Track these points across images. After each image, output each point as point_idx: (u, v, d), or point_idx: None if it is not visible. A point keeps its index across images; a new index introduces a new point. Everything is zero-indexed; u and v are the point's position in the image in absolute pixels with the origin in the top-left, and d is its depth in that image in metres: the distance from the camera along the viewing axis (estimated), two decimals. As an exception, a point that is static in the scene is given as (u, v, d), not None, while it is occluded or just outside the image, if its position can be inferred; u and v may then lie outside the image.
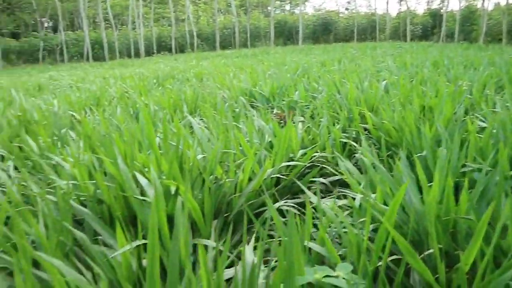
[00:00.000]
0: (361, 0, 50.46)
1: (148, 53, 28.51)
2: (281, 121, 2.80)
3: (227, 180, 1.55)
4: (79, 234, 1.08)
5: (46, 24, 37.54)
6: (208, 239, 1.35)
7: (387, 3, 36.39)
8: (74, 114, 3.40)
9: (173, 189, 1.24)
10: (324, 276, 0.89)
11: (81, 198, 1.41)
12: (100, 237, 1.19)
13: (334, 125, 2.54)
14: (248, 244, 1.11)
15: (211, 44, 29.44)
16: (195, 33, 28.96)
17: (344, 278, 0.92)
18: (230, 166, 1.62)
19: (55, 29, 35.53)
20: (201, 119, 2.66)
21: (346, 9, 38.08)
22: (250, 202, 1.55)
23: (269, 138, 2.27)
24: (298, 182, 1.56)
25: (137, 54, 28.44)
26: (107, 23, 30.70)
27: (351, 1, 37.45)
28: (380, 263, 1.07)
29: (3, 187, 1.87)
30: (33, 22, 35.37)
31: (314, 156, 2.12)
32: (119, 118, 2.86)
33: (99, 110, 3.48)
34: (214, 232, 1.40)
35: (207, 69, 7.22)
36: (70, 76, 9.37)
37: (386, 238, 1.09)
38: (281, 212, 1.63)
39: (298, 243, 0.78)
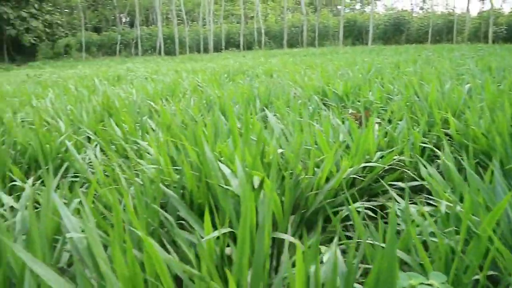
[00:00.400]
0: None
1: (217, 49, 29.26)
2: (357, 121, 2.72)
3: (306, 176, 1.53)
4: (168, 217, 1.12)
5: (123, 20, 39.99)
6: (285, 233, 1.34)
7: (468, 1, 33.66)
8: (151, 103, 3.57)
9: (256, 182, 1.24)
10: (419, 284, 0.84)
11: (165, 184, 1.46)
12: (182, 221, 1.23)
13: (413, 128, 2.41)
14: (328, 243, 1.08)
15: (279, 42, 29.52)
16: (263, 31, 29.20)
17: (440, 289, 0.86)
18: (309, 164, 1.59)
19: (131, 24, 37.74)
20: (275, 114, 2.66)
21: (421, 8, 36.24)
22: (327, 201, 1.51)
23: (345, 138, 2.21)
24: (383, 183, 1.49)
25: (206, 50, 29.30)
26: (179, 19, 31.96)
27: (426, 0, 35.56)
28: (477, 276, 0.99)
29: (91, 167, 2.00)
30: (112, 17, 37.85)
31: (394, 159, 2.02)
32: (194, 110, 2.94)
33: (174, 100, 3.62)
34: (291, 227, 1.39)
35: (276, 66, 7.23)
36: (144, 68, 9.88)
37: (485, 251, 1.01)
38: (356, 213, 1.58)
39: (395, 247, 0.73)
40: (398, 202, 1.55)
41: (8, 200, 1.55)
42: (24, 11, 29.31)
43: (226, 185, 1.30)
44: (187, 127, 2.17)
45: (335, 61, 8.28)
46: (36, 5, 30.73)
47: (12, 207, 1.66)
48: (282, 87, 3.69)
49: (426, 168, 1.82)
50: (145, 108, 3.31)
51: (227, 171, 1.30)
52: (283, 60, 9.49)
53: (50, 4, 33.37)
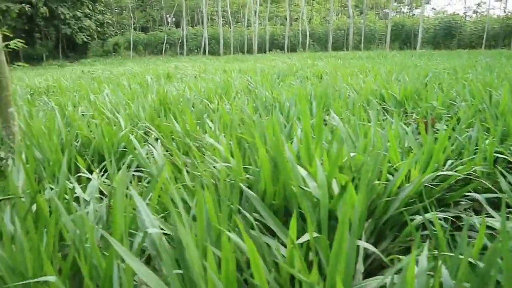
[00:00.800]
0: (494, 2, 45.26)
1: (261, 50, 29.37)
2: (419, 127, 2.59)
3: (380, 182, 1.46)
4: (249, 216, 1.08)
5: (170, 20, 41.05)
6: (360, 239, 1.28)
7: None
8: (205, 101, 3.59)
9: (335, 186, 1.19)
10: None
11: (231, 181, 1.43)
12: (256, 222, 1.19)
13: (483, 137, 2.27)
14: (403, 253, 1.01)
15: (323, 44, 29.21)
16: (307, 33, 29.01)
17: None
18: (383, 170, 1.52)
19: (177, 25, 38.70)
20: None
21: (475, 11, 34.60)
22: (403, 209, 1.43)
23: (410, 143, 2.11)
24: (467, 190, 1.39)
25: (250, 51, 29.48)
26: (224, 20, 32.38)
27: (481, 3, 33.90)
28: None
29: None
30: (159, 18, 38.96)
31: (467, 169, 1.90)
32: (250, 109, 2.92)
33: (228, 99, 3.62)
34: (364, 233, 1.32)
35: (324, 69, 7.12)
36: (192, 67, 10.04)
37: None
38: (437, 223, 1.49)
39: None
40: (474, 214, 1.44)
41: (80, 193, 1.58)
42: (78, 11, 30.78)
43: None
44: (246, 126, 2.14)
45: (385, 64, 8.04)
46: (90, 6, 32.16)
47: (77, 198, 1.70)
48: (338, 90, 3.60)
49: (505, 178, 1.70)
50: (200, 106, 3.33)
51: (303, 172, 1.25)
52: (330, 63, 9.34)
53: (102, 4, 34.81)
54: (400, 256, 1.21)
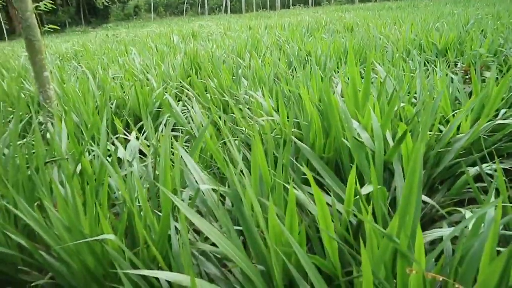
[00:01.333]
0: None
1: (284, 5, 28.41)
2: (466, 76, 2.44)
3: (434, 133, 1.37)
4: (305, 170, 1.04)
5: (190, -22, 39.95)
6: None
7: None
8: (235, 57, 3.49)
9: (389, 138, 1.12)
10: None
11: (277, 136, 1.38)
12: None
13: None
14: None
15: (349, -4, 27.96)
16: (332, -15, 27.75)
17: None
18: (435, 120, 1.43)
19: (197, -17, 37.64)
20: (373, 69, 2.46)
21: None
22: (457, 160, 1.35)
23: (458, 93, 1.99)
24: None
25: (272, 7, 28.56)
26: (245, -24, 31.26)
27: None
28: None
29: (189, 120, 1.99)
30: (179, -24, 37.96)
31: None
32: (282, 63, 2.82)
33: (259, 55, 3.52)
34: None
35: (354, 21, 6.81)
36: (216, 25, 9.82)
37: None
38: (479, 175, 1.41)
39: None
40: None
41: (123, 153, 1.57)
42: (98, -26, 30.33)
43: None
44: (283, 80, 2.06)
45: (419, 14, 7.61)
46: (108, -32, 31.61)
47: (120, 159, 1.69)
48: (374, 41, 3.42)
49: None
50: (231, 63, 3.24)
51: (355, 124, 1.19)
52: (360, 15, 8.91)
53: (121, -34, 34.12)
54: (458, 208, 1.15)
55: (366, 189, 0.90)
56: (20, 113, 2.51)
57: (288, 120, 1.44)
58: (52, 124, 2.10)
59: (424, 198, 1.12)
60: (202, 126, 1.79)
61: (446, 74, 2.26)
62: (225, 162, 1.22)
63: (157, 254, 0.83)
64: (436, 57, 3.01)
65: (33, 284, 1.09)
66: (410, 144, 1.10)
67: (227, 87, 2.19)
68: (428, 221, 1.30)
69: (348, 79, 1.82)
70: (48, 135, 1.80)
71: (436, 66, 2.60)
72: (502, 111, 1.81)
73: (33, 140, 1.50)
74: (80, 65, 4.24)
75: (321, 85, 1.35)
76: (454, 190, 1.35)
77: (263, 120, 1.39)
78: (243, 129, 1.49)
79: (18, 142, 1.64)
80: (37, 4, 2.81)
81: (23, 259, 1.13)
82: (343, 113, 1.13)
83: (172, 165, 1.25)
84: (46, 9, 2.79)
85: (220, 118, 1.84)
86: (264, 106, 1.52)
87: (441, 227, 1.15)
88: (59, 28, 3.38)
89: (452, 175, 1.42)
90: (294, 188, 0.98)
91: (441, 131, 1.48)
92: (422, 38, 3.33)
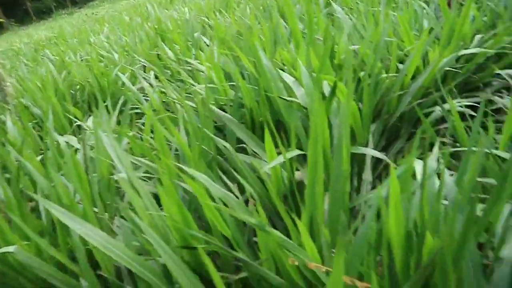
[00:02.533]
0: None
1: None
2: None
3: (388, 76, 1.23)
4: (221, 142, 0.93)
5: None
6: (366, 146, 1.10)
7: None
8: (205, 19, 3.30)
9: (326, 88, 0.99)
10: None
11: (220, 103, 1.26)
12: (243, 145, 1.04)
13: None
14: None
15: None
16: None
17: None
18: (390, 60, 1.28)
19: None
20: (342, 8, 2.26)
21: None
22: (418, 101, 1.22)
23: (431, 24, 1.80)
24: (495, 68, 1.14)
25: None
26: None
27: None
28: None
29: (146, 96, 1.87)
30: None
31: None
32: (251, 18, 2.63)
33: (229, 12, 3.32)
34: (372, 137, 1.14)
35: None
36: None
37: None
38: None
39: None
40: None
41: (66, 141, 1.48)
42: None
43: (290, 97, 1.07)
44: (245, 35, 1.91)
45: None
46: None
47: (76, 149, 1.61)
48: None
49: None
50: (199, 25, 3.06)
51: (290, 79, 1.06)
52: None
53: None
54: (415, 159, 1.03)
55: (280, 159, 0.79)
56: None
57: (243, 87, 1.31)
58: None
59: (367, 150, 1.01)
60: (155, 101, 1.68)
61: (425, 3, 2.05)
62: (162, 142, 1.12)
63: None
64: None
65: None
66: (345, 93, 0.97)
67: (182, 55, 2.05)
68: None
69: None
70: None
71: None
72: (478, 36, 1.63)
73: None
74: (51, 53, 4.10)
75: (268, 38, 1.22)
76: (417, 137, 1.22)
77: (199, 88, 1.27)
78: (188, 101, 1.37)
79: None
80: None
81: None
82: (267, 69, 1.00)
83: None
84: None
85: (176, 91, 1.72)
86: (203, 72, 1.39)
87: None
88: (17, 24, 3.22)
89: (416, 120, 1.29)
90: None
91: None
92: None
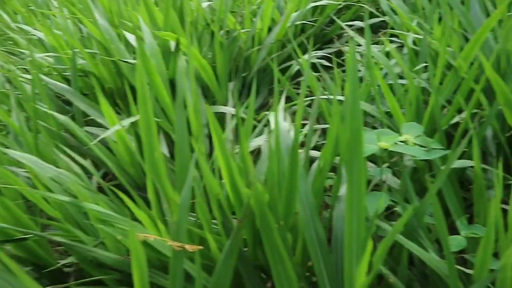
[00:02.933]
0: None
1: None
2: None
3: (242, 31, 1.23)
4: (61, 117, 0.84)
5: None
6: (225, 105, 1.10)
7: None
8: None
9: (173, 45, 0.94)
10: (393, 144, 0.64)
11: (64, 74, 1.13)
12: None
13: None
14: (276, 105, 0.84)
15: None
16: None
17: (417, 144, 0.66)
18: (245, 14, 1.27)
19: None
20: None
21: None
22: (273, 56, 1.24)
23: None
24: (339, 22, 1.20)
25: None
26: None
27: None
28: (457, 119, 0.80)
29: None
30: None
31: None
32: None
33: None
34: (232, 96, 1.14)
35: None
36: None
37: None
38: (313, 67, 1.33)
39: (357, 96, 0.49)
40: (358, 44, 1.29)
41: None
42: None
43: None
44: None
45: None
46: None
47: None
48: None
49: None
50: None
51: (130, 37, 0.98)
52: None
53: None
54: (268, 113, 1.06)
55: (130, 120, 0.73)
56: None
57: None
58: None
59: (228, 109, 1.01)
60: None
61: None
62: None
63: None
64: None
65: None
66: (191, 49, 0.94)
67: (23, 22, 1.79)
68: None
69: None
70: None
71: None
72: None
73: None
74: None
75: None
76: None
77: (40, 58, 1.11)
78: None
79: None
80: None
81: None
82: (104, 30, 0.91)
83: None
84: None
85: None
86: (44, 40, 1.22)
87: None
88: None
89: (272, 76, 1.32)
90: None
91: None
92: None
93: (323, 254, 0.58)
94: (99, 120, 0.87)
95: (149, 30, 0.89)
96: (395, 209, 0.69)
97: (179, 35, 0.87)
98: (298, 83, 1.29)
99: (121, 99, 1.02)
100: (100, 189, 0.78)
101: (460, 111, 0.82)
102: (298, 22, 1.37)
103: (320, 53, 1.36)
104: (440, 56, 0.81)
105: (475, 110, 0.86)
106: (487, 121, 0.74)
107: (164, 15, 0.96)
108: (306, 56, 1.24)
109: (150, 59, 0.67)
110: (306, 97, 1.16)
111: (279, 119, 0.76)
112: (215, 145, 0.55)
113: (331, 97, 0.96)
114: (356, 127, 0.45)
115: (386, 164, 0.79)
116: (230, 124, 1.05)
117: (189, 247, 0.48)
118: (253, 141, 0.90)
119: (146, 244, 0.56)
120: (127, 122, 0.74)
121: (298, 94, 1.24)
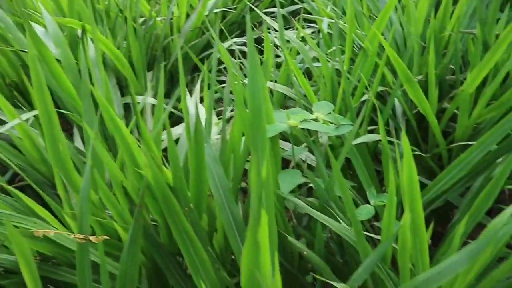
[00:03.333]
0: None
1: None
2: None
3: (158, 18, 1.19)
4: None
5: None
6: (143, 95, 1.07)
7: None
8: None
9: (80, 34, 0.88)
10: (302, 121, 0.66)
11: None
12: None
13: None
14: (192, 93, 0.84)
15: None
16: None
17: (327, 121, 0.69)
18: (161, 1, 1.24)
19: None
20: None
21: None
22: (192, 43, 1.22)
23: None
24: (257, 10, 1.21)
25: None
26: None
27: None
28: (365, 97, 0.84)
29: None
30: None
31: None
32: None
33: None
34: (151, 86, 1.11)
35: None
36: None
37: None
38: (231, 54, 1.33)
39: (263, 80, 0.50)
40: (276, 30, 1.31)
41: None
42: None
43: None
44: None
45: None
46: None
47: None
48: None
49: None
50: None
51: (39, 30, 0.91)
52: None
53: None
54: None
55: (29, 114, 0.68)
56: None
57: None
58: None
59: (149, 98, 0.97)
60: None
61: None
62: None
63: None
64: None
65: None
66: (105, 41, 0.89)
67: None
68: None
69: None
70: None
71: None
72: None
73: None
74: None
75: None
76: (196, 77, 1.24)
77: None
78: None
79: None
80: None
81: None
82: (1, 20, 0.83)
83: None
84: None
85: None
86: None
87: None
88: None
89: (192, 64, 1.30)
90: None
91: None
92: None
93: (240, 234, 0.58)
94: (2, 117, 0.80)
95: (52, 18, 0.82)
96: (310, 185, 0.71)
97: (84, 23, 0.82)
98: (220, 71, 1.28)
99: (26, 93, 0.95)
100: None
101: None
102: (217, 10, 1.36)
103: (241, 39, 1.36)
104: (347, 38, 0.84)
105: (384, 88, 0.91)
106: (392, 97, 0.78)
107: (69, 1, 0.90)
108: (225, 44, 1.24)
109: (46, 46, 0.62)
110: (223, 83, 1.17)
111: (190, 105, 0.76)
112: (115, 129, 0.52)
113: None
114: (256, 105, 0.45)
115: (304, 144, 0.82)
116: (149, 114, 1.03)
117: (93, 238, 0.45)
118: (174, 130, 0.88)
119: (49, 240, 0.53)
120: (27, 115, 0.69)
121: (219, 82, 1.24)
